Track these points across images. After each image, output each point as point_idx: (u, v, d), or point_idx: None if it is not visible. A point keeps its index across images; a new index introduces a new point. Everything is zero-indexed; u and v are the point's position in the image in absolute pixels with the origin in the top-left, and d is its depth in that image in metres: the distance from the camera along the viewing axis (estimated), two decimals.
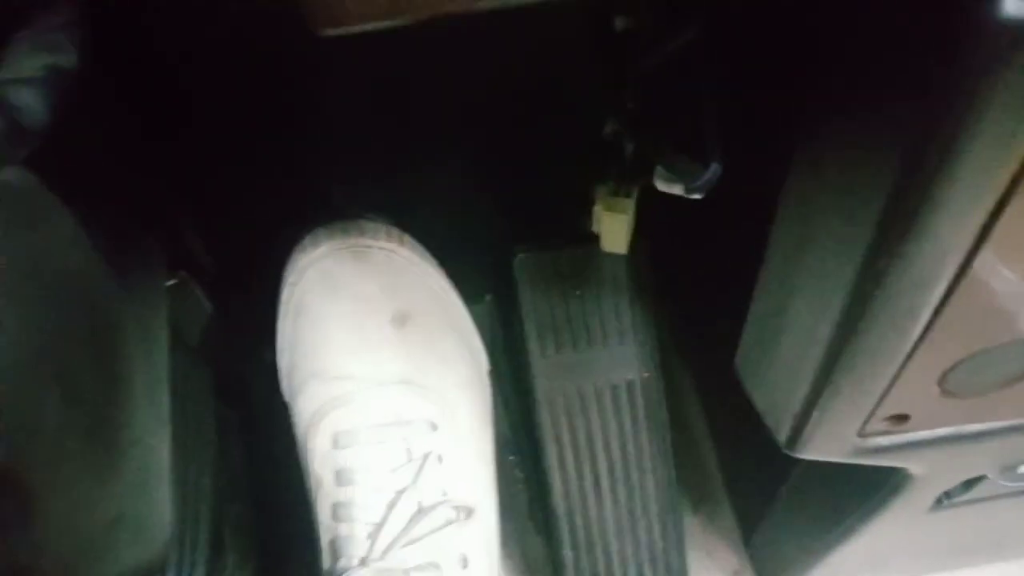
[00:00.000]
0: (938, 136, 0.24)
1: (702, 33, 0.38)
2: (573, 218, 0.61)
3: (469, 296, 0.86)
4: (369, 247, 0.53)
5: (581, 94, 0.51)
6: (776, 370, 0.38)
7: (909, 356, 0.33)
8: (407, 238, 0.56)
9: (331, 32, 0.19)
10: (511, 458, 0.80)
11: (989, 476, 0.48)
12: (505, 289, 0.68)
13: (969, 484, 0.49)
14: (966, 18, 0.21)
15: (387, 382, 0.51)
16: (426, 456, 0.50)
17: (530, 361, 0.65)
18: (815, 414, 0.36)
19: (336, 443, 0.51)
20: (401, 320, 0.53)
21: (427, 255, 0.57)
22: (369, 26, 0.20)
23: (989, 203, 0.26)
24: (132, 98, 0.52)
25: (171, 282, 0.60)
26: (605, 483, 0.67)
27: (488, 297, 0.84)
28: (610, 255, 0.62)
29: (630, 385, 0.66)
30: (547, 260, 0.65)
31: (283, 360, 0.56)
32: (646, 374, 0.66)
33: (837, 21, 0.28)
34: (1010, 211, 0.26)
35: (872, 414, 0.37)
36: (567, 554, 0.67)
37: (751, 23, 0.36)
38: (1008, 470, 0.48)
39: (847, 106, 0.28)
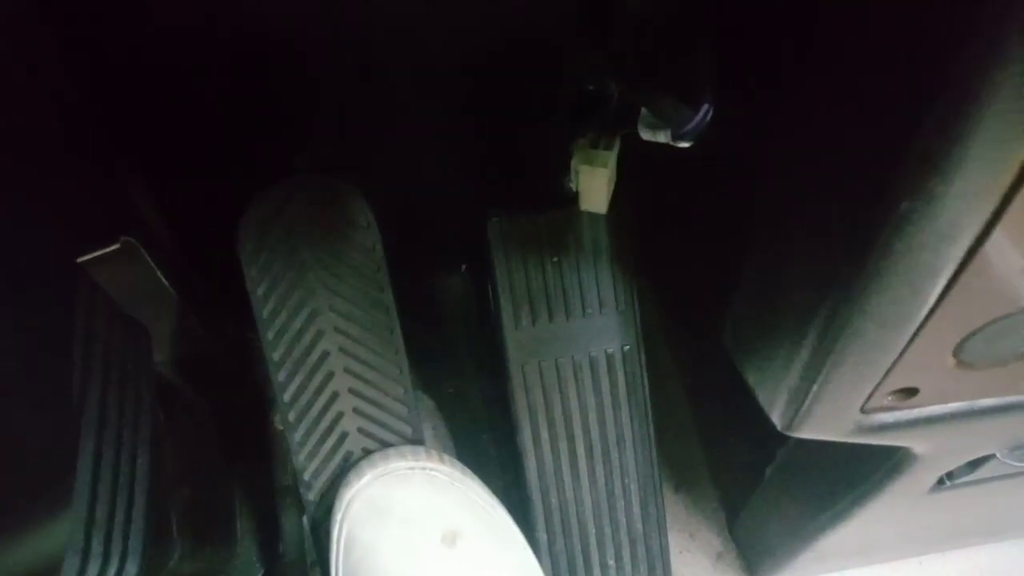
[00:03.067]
0: (982, 55, 0.19)
1: None
2: (551, 180, 0.57)
3: (445, 267, 0.82)
4: (412, 469, 0.53)
5: (562, 37, 0.46)
6: (771, 342, 0.34)
7: (925, 321, 0.29)
8: (447, 456, 0.55)
9: None
10: (484, 436, 0.77)
11: (997, 455, 0.44)
12: (480, 257, 0.64)
13: (974, 464, 0.46)
14: None
15: None
16: None
17: (504, 333, 0.61)
18: (814, 388, 0.32)
19: None
20: (451, 539, 0.51)
21: (467, 471, 0.56)
22: None
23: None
24: (70, 45, 0.47)
25: (111, 248, 0.55)
26: (582, 462, 0.63)
27: (464, 267, 0.80)
28: (590, 219, 0.57)
29: (609, 358, 0.62)
30: (523, 225, 0.60)
31: None
32: (627, 346, 0.62)
33: None
34: None
35: (878, 388, 0.33)
36: (541, 536, 0.63)
37: None
38: (1018, 448, 0.45)
39: (873, 32, 0.24)
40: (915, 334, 0.29)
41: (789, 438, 0.52)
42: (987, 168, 0.22)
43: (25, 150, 0.47)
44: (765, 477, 0.62)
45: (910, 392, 0.34)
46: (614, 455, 0.64)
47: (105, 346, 0.45)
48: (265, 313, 0.55)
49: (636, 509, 0.65)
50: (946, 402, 0.35)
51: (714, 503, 0.73)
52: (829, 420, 0.35)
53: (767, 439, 0.58)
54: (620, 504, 0.65)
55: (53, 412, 0.41)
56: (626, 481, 0.64)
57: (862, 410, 0.35)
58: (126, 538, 0.41)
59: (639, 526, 0.65)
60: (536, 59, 0.55)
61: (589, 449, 0.63)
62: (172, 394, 0.63)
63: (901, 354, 0.31)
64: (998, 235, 0.25)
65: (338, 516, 0.53)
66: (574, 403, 0.63)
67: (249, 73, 0.58)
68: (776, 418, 0.36)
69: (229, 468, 0.68)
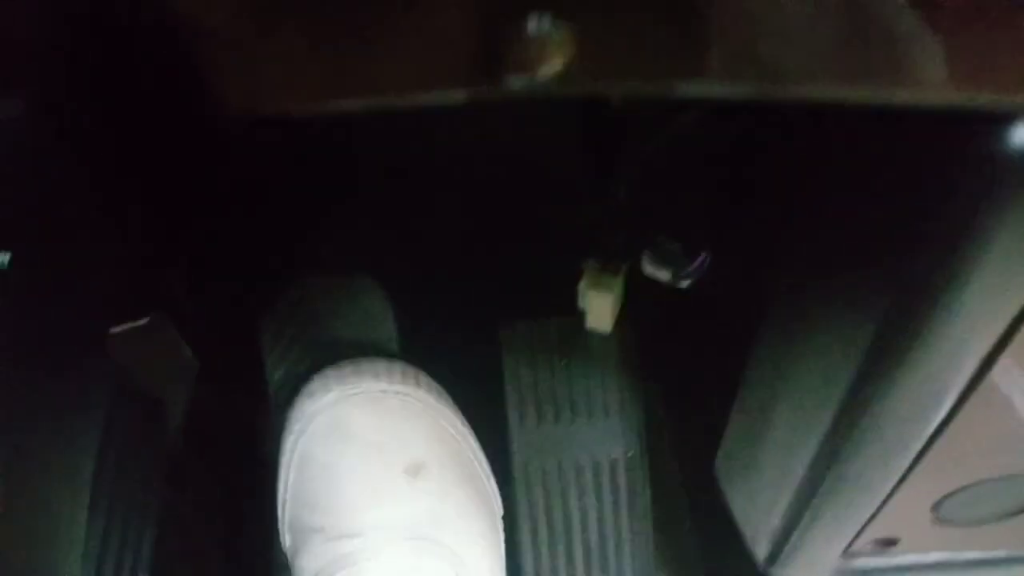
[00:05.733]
0: (936, 276, 0.21)
1: (698, 121, 0.36)
2: (563, 289, 0.59)
3: (456, 361, 0.84)
4: (384, 392, 0.50)
5: (573, 173, 0.49)
6: (756, 483, 0.35)
7: (899, 484, 0.30)
8: (423, 378, 0.53)
9: (243, 113, 0.17)
10: None
11: None
12: (490, 355, 0.66)
13: None
14: (974, 147, 0.19)
15: (397, 539, 0.47)
16: None
17: (509, 432, 0.63)
18: (796, 535, 0.33)
19: None
20: (415, 470, 0.49)
21: (444, 395, 0.54)
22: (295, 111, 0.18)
23: (993, 336, 0.23)
24: (107, 125, 0.50)
25: (141, 322, 0.58)
26: (580, 566, 0.64)
27: (475, 361, 0.82)
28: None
29: (613, 464, 0.63)
30: (535, 329, 0.62)
31: (283, 513, 0.52)
32: (630, 453, 0.63)
33: (843, 136, 0.26)
34: (1018, 341, 0.24)
35: (858, 536, 0.34)
36: None
37: (750, 114, 0.34)
38: None
39: (841, 227, 0.26)
40: (891, 494, 0.31)
41: None
42: (949, 365, 0.24)
43: (66, 226, 0.50)
44: None
45: (891, 541, 0.35)
46: (611, 560, 0.64)
47: (124, 423, 0.47)
48: (280, 400, 0.57)
49: None
50: (927, 552, 0.36)
51: None
52: (810, 565, 0.36)
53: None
54: None
55: (72, 484, 0.43)
56: None
57: (844, 555, 0.36)
58: None
59: None
60: (550, 185, 0.58)
61: (587, 552, 0.64)
62: (181, 469, 0.65)
63: (879, 510, 0.32)
64: (965, 416, 0.26)
65: (295, 427, 0.50)
66: (575, 506, 0.64)
67: (284, 164, 0.61)
68: (759, 556, 0.37)
69: (229, 543, 0.69)
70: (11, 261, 0.35)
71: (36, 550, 0.33)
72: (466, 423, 0.55)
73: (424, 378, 0.53)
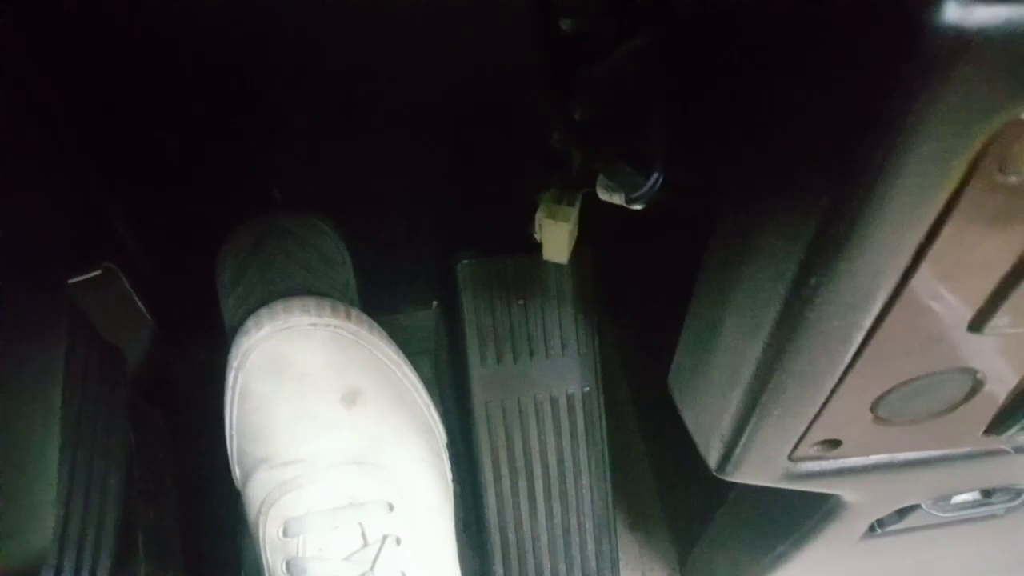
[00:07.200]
0: (873, 154, 0.23)
1: (651, 41, 0.37)
2: (519, 226, 0.60)
3: (416, 302, 0.84)
4: (314, 325, 0.51)
5: (527, 100, 0.49)
6: (706, 390, 0.37)
7: (841, 381, 0.32)
8: (354, 312, 0.54)
9: None
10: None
11: (923, 505, 0.47)
12: (450, 296, 0.67)
13: (902, 513, 0.49)
14: (903, 27, 0.20)
15: (338, 463, 0.49)
16: (383, 539, 0.48)
17: (469, 371, 0.64)
18: (744, 437, 0.35)
19: (286, 531, 0.48)
20: (351, 398, 0.51)
21: (375, 327, 0.55)
22: None
23: (924, 224, 0.25)
24: (54, 70, 0.49)
25: (93, 273, 0.57)
26: (540, 498, 0.66)
27: (435, 303, 0.83)
28: (556, 265, 0.60)
29: (570, 399, 0.65)
30: (491, 268, 0.63)
31: (232, 447, 0.53)
32: (586, 388, 0.65)
33: (771, 35, 0.27)
34: (945, 233, 0.25)
35: (803, 438, 0.36)
36: (498, 570, 0.65)
37: (698, 35, 0.35)
38: (941, 500, 0.48)
39: (783, 122, 0.27)
40: (833, 391, 0.32)
41: (736, 483, 0.55)
42: (885, 251, 0.25)
43: (11, 171, 0.49)
44: (715, 519, 0.64)
45: (834, 443, 0.37)
46: (571, 493, 0.66)
47: (84, 369, 0.47)
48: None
49: (590, 546, 0.67)
50: (868, 454, 0.38)
51: (666, 542, 0.76)
52: (759, 467, 0.37)
53: (717, 483, 0.60)
54: (575, 540, 0.67)
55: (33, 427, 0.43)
56: (581, 519, 0.67)
57: (790, 458, 0.38)
58: (96, 556, 0.43)
59: (593, 563, 0.67)
60: (505, 115, 0.58)
61: (547, 486, 0.66)
62: (141, 417, 0.65)
63: (822, 409, 0.34)
64: (900, 308, 0.28)
65: (234, 364, 0.52)
66: (534, 441, 0.65)
67: (231, 104, 0.61)
68: (711, 462, 0.39)
69: (192, 492, 0.69)
70: None
71: (13, 478, 0.33)
72: (401, 353, 0.56)
73: (355, 312, 0.54)
